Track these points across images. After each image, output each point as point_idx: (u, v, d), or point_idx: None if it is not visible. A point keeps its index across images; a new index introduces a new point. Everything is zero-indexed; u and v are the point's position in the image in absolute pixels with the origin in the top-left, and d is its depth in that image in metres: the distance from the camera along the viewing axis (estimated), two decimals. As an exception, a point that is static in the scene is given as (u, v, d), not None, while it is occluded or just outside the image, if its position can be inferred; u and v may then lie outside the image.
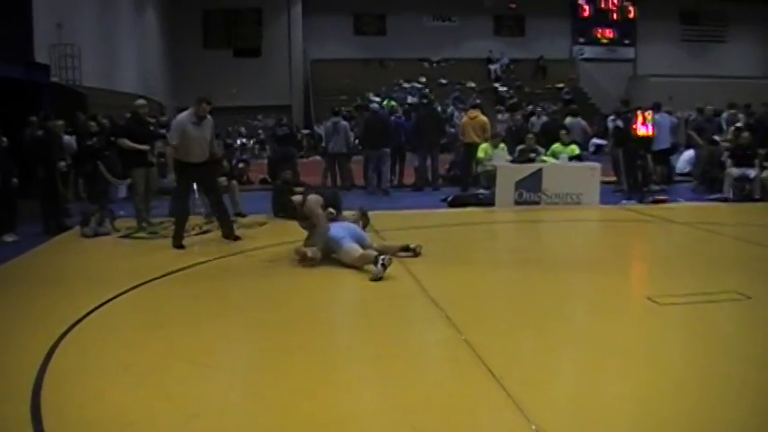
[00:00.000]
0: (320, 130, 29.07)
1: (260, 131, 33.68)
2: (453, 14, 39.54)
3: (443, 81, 37.63)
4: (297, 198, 9.24)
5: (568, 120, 17.81)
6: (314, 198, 9.02)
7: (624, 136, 15.66)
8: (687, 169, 18.06)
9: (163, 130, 14.14)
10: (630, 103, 17.36)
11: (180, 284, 8.16)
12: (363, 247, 8.53)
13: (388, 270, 7.91)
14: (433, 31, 39.28)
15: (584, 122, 18.80)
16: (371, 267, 7.95)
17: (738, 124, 16.54)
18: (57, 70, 19.09)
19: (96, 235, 11.14)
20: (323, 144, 28.98)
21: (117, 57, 25.68)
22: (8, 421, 4.45)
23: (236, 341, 6.18)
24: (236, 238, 10.48)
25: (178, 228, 10.21)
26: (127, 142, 11.69)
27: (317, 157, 24.47)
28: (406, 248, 9.09)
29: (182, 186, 10.34)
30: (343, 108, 21.69)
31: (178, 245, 10.07)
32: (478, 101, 27.69)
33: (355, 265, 8.25)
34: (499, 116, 20.54)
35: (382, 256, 7.93)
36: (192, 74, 34.11)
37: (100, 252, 10.05)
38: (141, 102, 12.56)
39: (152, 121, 14.54)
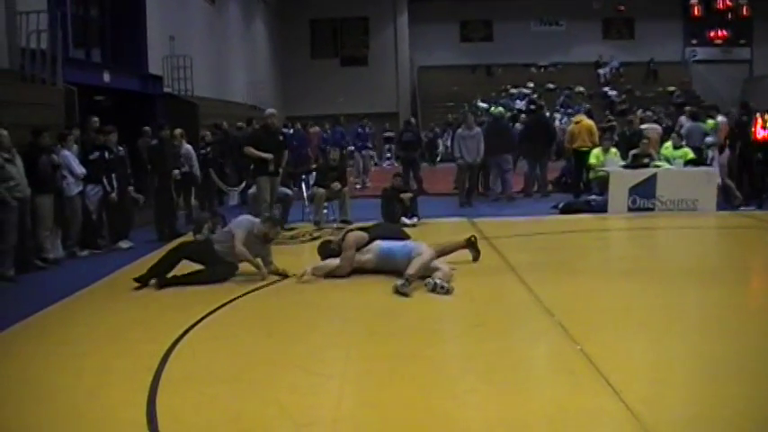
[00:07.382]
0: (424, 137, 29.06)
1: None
2: (561, 19, 38.91)
3: (551, 86, 37.08)
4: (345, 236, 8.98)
5: (687, 124, 17.13)
6: (354, 236, 8.78)
7: (737, 139, 15.04)
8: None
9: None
10: (750, 106, 16.58)
11: (290, 292, 8.19)
12: (411, 259, 8.23)
13: (501, 279, 7.75)
14: (540, 36, 38.79)
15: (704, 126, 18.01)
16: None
17: None
18: (169, 81, 19.60)
19: (208, 242, 11.31)
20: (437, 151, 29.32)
21: (227, 67, 26.21)
22: (125, 425, 4.53)
23: (346, 349, 6.09)
24: None
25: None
26: (251, 150, 11.83)
27: (424, 164, 24.40)
28: (468, 244, 9.12)
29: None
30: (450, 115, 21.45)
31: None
32: (587, 106, 27.42)
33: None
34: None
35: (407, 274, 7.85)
36: (301, 83, 34.81)
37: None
38: (272, 111, 12.67)
39: (283, 131, 14.56)
